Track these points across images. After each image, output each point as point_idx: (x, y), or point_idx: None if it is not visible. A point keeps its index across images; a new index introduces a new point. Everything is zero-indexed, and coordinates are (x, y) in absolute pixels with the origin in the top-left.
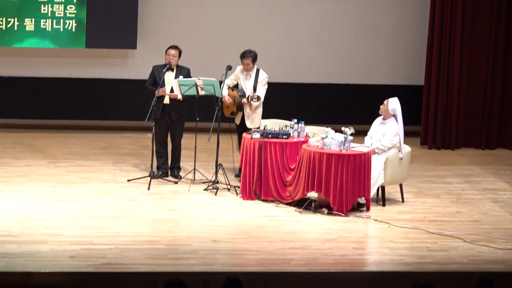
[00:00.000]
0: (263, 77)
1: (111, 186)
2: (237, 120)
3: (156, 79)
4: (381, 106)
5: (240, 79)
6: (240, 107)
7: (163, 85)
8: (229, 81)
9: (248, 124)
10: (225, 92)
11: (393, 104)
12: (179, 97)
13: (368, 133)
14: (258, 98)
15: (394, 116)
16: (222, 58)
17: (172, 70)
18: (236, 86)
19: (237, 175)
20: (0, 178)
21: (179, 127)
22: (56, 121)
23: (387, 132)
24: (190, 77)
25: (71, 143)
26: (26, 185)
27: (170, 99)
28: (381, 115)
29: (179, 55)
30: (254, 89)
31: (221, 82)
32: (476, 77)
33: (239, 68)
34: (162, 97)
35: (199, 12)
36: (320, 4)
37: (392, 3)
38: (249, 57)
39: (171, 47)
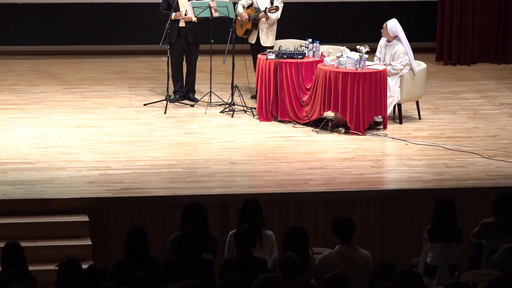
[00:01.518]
0: None
1: (127, 110)
2: (252, 39)
3: (169, 3)
4: (381, 30)
5: None
6: (255, 24)
7: (177, 8)
8: (244, 1)
9: (263, 41)
10: (240, 9)
11: (392, 25)
12: (193, 19)
13: (376, 54)
14: (277, 9)
15: (396, 36)
16: None
17: None
18: (250, 6)
19: (253, 97)
20: (16, 105)
21: (195, 50)
22: (70, 46)
23: (395, 55)
24: None
25: (86, 69)
26: (42, 111)
27: (185, 22)
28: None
29: None
30: (271, 4)
31: (235, 4)
32: None
33: None
34: (177, 20)
35: None
36: None
37: None
38: None
39: None
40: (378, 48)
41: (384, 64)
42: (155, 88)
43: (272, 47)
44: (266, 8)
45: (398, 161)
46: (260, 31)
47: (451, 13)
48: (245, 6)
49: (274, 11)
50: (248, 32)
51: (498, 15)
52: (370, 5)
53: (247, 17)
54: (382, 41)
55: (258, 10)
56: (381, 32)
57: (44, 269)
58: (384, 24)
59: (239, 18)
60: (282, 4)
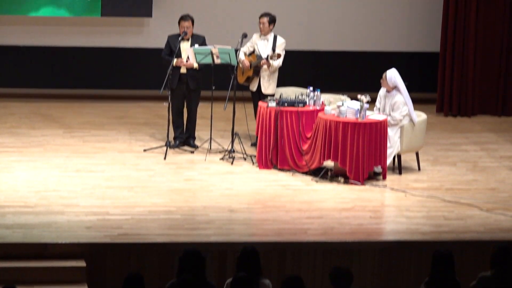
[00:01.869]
0: (281, 42)
1: (127, 156)
2: (253, 87)
3: (172, 49)
4: (381, 80)
5: (258, 45)
6: (256, 72)
7: (179, 54)
8: (246, 48)
9: (264, 88)
10: (242, 57)
11: (391, 75)
12: (195, 66)
13: (375, 104)
14: (279, 56)
15: (396, 86)
16: (237, 26)
17: (188, 39)
18: (252, 53)
19: (253, 144)
20: (16, 148)
21: (196, 96)
22: (71, 90)
23: (395, 106)
24: (206, 45)
25: (87, 113)
26: (42, 155)
27: (187, 68)
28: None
29: (193, 24)
30: (273, 52)
31: (236, 50)
32: (492, 43)
33: (256, 34)
34: (179, 66)
35: None
36: None
37: None
38: (265, 16)
39: (182, 19)
40: (378, 98)
41: (384, 114)
42: (155, 134)
43: (273, 95)
44: (268, 55)
45: (397, 212)
46: (261, 79)
47: (452, 64)
48: (247, 53)
49: (276, 58)
50: (249, 80)
51: (499, 67)
52: (372, 55)
53: (249, 64)
54: (382, 91)
55: (259, 57)
56: (380, 82)
57: None
58: (384, 74)
59: (240, 65)
60: (284, 52)
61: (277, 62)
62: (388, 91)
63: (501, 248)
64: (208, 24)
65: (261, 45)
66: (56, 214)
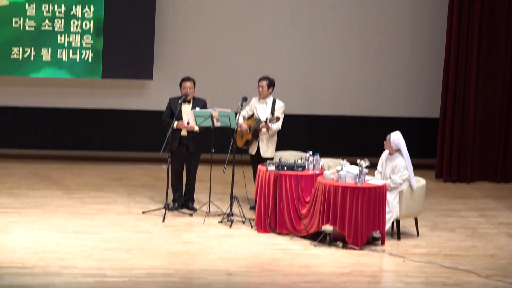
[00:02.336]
0: (280, 105)
1: (126, 218)
2: (252, 150)
3: (173, 111)
4: (384, 142)
5: (257, 108)
6: (255, 135)
7: (180, 117)
8: (245, 112)
9: (263, 152)
10: (240, 120)
11: (395, 138)
12: (196, 129)
13: (377, 167)
14: (278, 119)
15: (399, 150)
16: (237, 90)
17: (189, 102)
18: (251, 117)
19: (252, 207)
20: (15, 209)
21: (196, 159)
22: (71, 151)
23: (395, 169)
24: (207, 108)
25: (86, 174)
26: (40, 216)
27: (187, 131)
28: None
29: (194, 86)
30: (272, 115)
31: (236, 114)
32: (492, 110)
33: (255, 98)
34: (179, 129)
35: (215, 43)
36: (336, 37)
37: (409, 37)
38: (264, 79)
39: (184, 80)
40: (380, 161)
41: (385, 178)
42: (154, 196)
43: (272, 158)
44: (267, 118)
45: (395, 278)
46: (260, 142)
47: (451, 130)
48: (246, 117)
49: (275, 121)
50: (248, 143)
51: (499, 134)
52: (372, 120)
53: (247, 128)
54: (384, 154)
55: (258, 120)
56: (384, 144)
57: None
58: (388, 136)
59: (239, 128)
60: (283, 115)
61: (276, 126)
62: (390, 154)
63: None
64: (208, 87)
65: (260, 108)
66: (54, 275)
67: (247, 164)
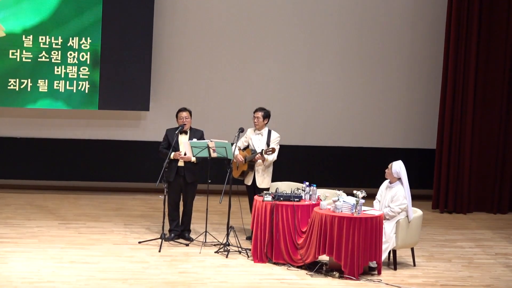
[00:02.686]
0: (275, 136)
1: (122, 248)
2: (248, 181)
3: (170, 142)
4: (386, 170)
5: (252, 139)
6: (251, 166)
7: (177, 147)
8: (240, 143)
9: (259, 183)
10: (236, 152)
11: (397, 167)
12: (193, 159)
13: (376, 197)
14: (273, 151)
15: (400, 179)
16: (234, 121)
17: (186, 132)
18: (246, 148)
19: (248, 238)
20: (11, 239)
21: (192, 189)
22: (67, 182)
23: (395, 197)
24: (204, 139)
25: (82, 205)
26: (36, 246)
27: (185, 161)
28: (387, 179)
29: (191, 116)
30: (267, 146)
31: (233, 144)
32: (488, 142)
33: (250, 129)
34: (176, 159)
35: (212, 75)
36: (334, 70)
37: (405, 68)
38: (260, 111)
39: (181, 110)
40: (379, 191)
41: (383, 207)
42: (150, 226)
43: (268, 189)
44: (262, 150)
45: None
46: (256, 173)
47: (448, 161)
48: (241, 148)
49: (270, 153)
50: (244, 174)
51: (495, 166)
52: (368, 151)
53: (243, 159)
54: (384, 184)
55: (254, 152)
56: (385, 173)
57: None
58: (390, 165)
59: (235, 160)
60: (278, 146)
61: (272, 157)
62: (390, 183)
63: None
64: (205, 118)
65: (256, 139)
66: None
67: (243, 194)
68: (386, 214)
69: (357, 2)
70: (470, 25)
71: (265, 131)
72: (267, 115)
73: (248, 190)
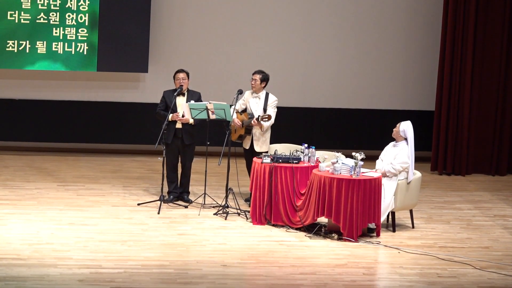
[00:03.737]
0: (273, 100)
1: (121, 209)
2: (246, 145)
3: (167, 104)
4: (394, 129)
5: (249, 103)
6: (248, 130)
7: (175, 109)
8: (238, 105)
9: (257, 148)
10: (234, 115)
11: (405, 126)
12: (191, 121)
13: (380, 156)
14: (269, 117)
15: (406, 139)
16: (233, 83)
17: (183, 94)
18: (244, 111)
19: (247, 200)
20: (9, 201)
21: (190, 151)
22: (66, 144)
23: (398, 155)
24: (201, 101)
25: (81, 166)
26: (35, 208)
27: (182, 123)
28: (394, 140)
29: (188, 78)
30: (264, 111)
31: (231, 106)
32: (487, 103)
33: (248, 92)
34: (174, 121)
35: (211, 36)
36: (332, 31)
37: (404, 31)
38: (258, 73)
39: (178, 71)
40: (384, 151)
41: (386, 164)
42: (149, 188)
43: (266, 152)
44: (258, 116)
45: (390, 269)
46: (253, 137)
47: (447, 123)
48: (239, 111)
49: (266, 119)
50: (241, 138)
51: (494, 127)
52: (367, 113)
53: (240, 124)
54: (389, 145)
55: (251, 116)
56: (393, 131)
57: None
58: (398, 124)
59: (232, 124)
60: (276, 110)
61: (268, 123)
62: (396, 142)
63: None
64: (204, 80)
65: (253, 102)
66: (49, 266)
67: (241, 157)
68: (388, 171)
69: None
70: None
71: (262, 94)
72: (264, 78)
73: (246, 153)
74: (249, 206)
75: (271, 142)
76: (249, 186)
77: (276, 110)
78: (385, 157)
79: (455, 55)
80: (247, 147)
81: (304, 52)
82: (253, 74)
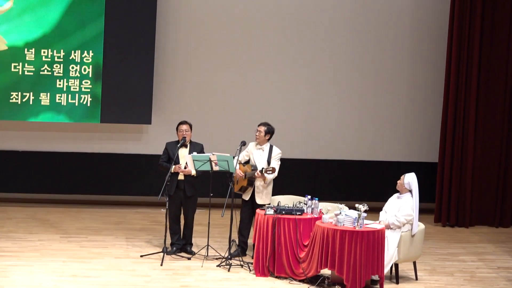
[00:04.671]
0: (277, 152)
1: (124, 261)
2: (246, 196)
3: (170, 156)
4: (398, 181)
5: (253, 154)
6: (251, 182)
7: (177, 161)
8: (241, 156)
9: (258, 200)
10: (236, 166)
11: (409, 178)
12: (193, 173)
13: (383, 208)
14: (273, 170)
15: (410, 191)
16: (236, 134)
17: (186, 146)
18: (247, 162)
19: (242, 250)
20: (12, 253)
21: (193, 203)
22: (69, 195)
23: (402, 207)
24: (204, 152)
25: (84, 218)
26: (38, 260)
27: (185, 175)
28: (398, 191)
29: (191, 129)
30: (268, 164)
31: (234, 158)
32: (490, 155)
33: (252, 143)
34: (176, 173)
35: (214, 88)
36: (336, 83)
37: (407, 83)
38: (263, 125)
39: (181, 123)
40: (387, 202)
41: (390, 216)
42: (152, 240)
43: (268, 204)
44: (262, 168)
45: None
46: (255, 189)
47: (450, 175)
48: (242, 162)
49: (270, 172)
50: (243, 189)
51: (497, 179)
52: (370, 164)
53: (243, 175)
54: (393, 197)
55: (255, 167)
56: (396, 184)
57: None
58: (402, 176)
59: (234, 174)
60: (279, 163)
61: (272, 176)
62: (400, 194)
63: None
64: (207, 131)
65: (257, 154)
66: None
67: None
68: (392, 223)
69: (357, 14)
70: (471, 44)
71: (266, 146)
72: (269, 131)
73: (244, 204)
74: (252, 258)
75: (275, 193)
76: (252, 237)
77: (279, 163)
78: (389, 209)
79: (458, 107)
80: (247, 199)
81: (307, 104)
82: (258, 125)
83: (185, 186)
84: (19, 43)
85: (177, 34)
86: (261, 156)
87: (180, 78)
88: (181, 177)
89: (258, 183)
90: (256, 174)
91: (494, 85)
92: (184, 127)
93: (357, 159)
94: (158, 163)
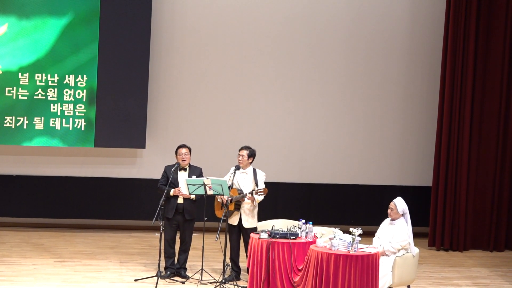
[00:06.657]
0: (262, 175)
1: (118, 285)
2: (233, 221)
3: (168, 179)
4: (389, 211)
5: (237, 179)
6: (237, 206)
7: (176, 184)
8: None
9: (246, 224)
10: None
11: (401, 205)
12: (192, 196)
13: (376, 234)
14: (265, 191)
15: (403, 215)
16: (229, 158)
17: (185, 169)
18: (230, 187)
19: (236, 273)
20: (6, 277)
21: (191, 227)
22: (63, 220)
23: (396, 234)
24: (202, 176)
25: (78, 242)
26: (32, 284)
27: (184, 198)
28: (389, 217)
29: (190, 153)
30: (256, 186)
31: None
32: (484, 179)
33: (232, 168)
34: (175, 196)
35: (208, 112)
36: (329, 108)
37: (400, 106)
38: (245, 149)
39: (180, 146)
40: (380, 228)
41: (385, 243)
42: (147, 264)
43: (255, 229)
44: (253, 190)
45: None
46: (242, 213)
47: (444, 199)
48: None
49: (262, 193)
50: (229, 214)
51: (492, 203)
52: (364, 188)
53: (229, 199)
54: (385, 222)
55: (240, 191)
56: (388, 210)
57: None
58: (393, 203)
59: (219, 200)
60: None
61: (261, 197)
62: (392, 220)
63: None
64: (200, 155)
65: (241, 178)
66: None
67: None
68: (387, 250)
69: (352, 33)
70: (465, 62)
71: (249, 170)
72: (252, 154)
73: (231, 230)
74: (247, 282)
75: (263, 218)
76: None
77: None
78: (382, 235)
79: (452, 131)
80: (235, 223)
81: (301, 128)
82: (240, 150)
83: (184, 210)
84: (13, 67)
85: (170, 59)
86: (245, 179)
87: (174, 102)
88: (180, 200)
89: (246, 206)
90: (248, 197)
91: (488, 111)
92: (183, 150)
93: (351, 183)
94: (157, 186)
